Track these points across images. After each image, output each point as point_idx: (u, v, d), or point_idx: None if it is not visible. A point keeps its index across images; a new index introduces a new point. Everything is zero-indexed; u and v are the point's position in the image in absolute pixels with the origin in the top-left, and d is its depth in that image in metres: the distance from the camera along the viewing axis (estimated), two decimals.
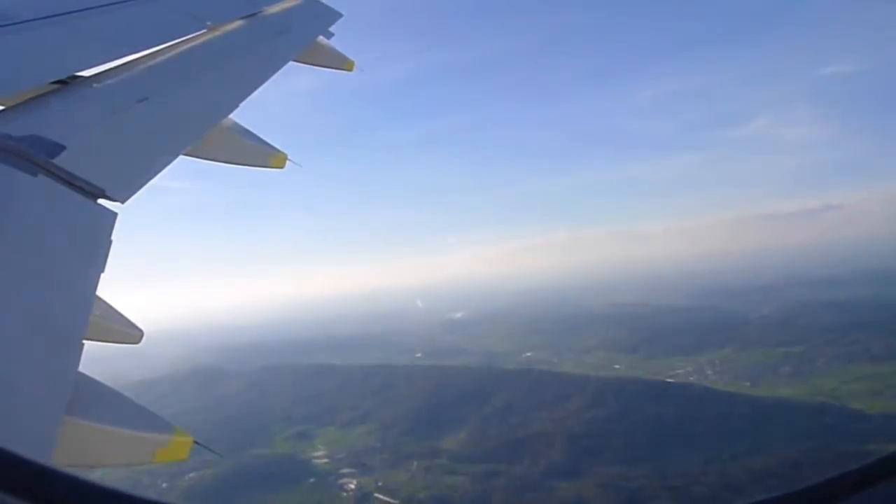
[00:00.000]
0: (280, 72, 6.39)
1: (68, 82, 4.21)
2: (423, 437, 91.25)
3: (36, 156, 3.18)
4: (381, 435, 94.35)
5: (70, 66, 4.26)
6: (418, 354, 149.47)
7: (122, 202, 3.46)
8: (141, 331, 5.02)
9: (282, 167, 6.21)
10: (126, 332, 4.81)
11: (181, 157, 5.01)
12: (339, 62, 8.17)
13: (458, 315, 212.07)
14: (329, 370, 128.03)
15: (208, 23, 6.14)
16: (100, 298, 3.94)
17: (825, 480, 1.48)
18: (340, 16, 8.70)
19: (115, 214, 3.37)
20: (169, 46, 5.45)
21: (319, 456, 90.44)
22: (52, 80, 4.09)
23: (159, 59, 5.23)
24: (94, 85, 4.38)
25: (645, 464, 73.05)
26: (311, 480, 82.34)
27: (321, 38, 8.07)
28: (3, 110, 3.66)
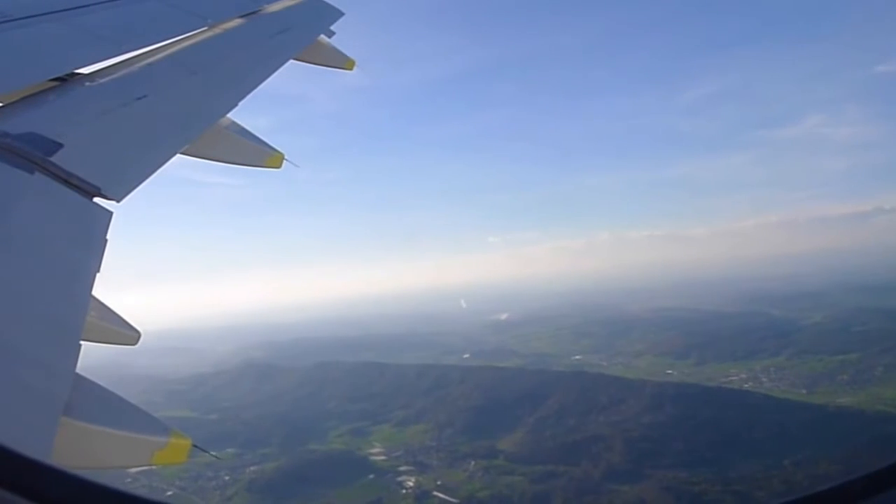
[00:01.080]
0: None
1: (67, 79, 4.24)
2: (478, 437, 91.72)
3: (33, 153, 3.19)
4: (436, 434, 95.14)
5: (69, 64, 4.28)
6: (466, 355, 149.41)
7: (119, 201, 3.48)
8: (138, 332, 4.91)
9: (278, 167, 6.18)
10: (123, 332, 4.74)
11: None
12: (340, 61, 8.16)
13: (504, 316, 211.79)
14: (381, 368, 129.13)
15: (209, 20, 6.15)
16: (96, 299, 3.89)
17: (846, 482, 1.44)
18: (342, 14, 8.68)
19: (110, 213, 3.40)
20: (169, 44, 5.46)
21: (376, 453, 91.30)
22: (51, 77, 4.11)
23: (159, 56, 5.24)
24: (93, 82, 4.39)
25: (706, 468, 72.90)
26: (371, 477, 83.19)
27: (322, 37, 8.05)
28: (1, 107, 3.67)
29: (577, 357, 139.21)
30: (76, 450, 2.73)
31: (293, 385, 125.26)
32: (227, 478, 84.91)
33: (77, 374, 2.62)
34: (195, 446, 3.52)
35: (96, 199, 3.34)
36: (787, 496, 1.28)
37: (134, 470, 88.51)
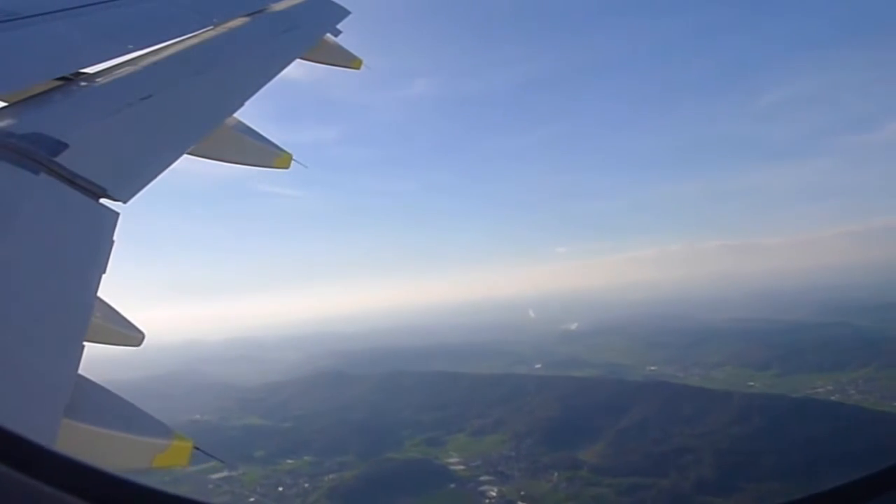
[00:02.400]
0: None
1: (72, 79, 4.15)
2: (558, 447, 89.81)
3: (38, 154, 3.12)
4: (514, 444, 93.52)
5: (74, 63, 4.21)
6: (538, 365, 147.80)
7: (125, 202, 3.38)
8: (142, 333, 4.85)
9: (286, 167, 6.10)
10: (127, 334, 4.69)
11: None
12: (347, 60, 8.07)
13: (573, 326, 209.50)
14: (454, 378, 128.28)
15: (214, 20, 6.07)
16: (101, 300, 3.86)
17: (853, 481, 1.41)
18: (348, 13, 8.56)
19: (117, 214, 3.30)
20: (174, 43, 5.37)
21: (454, 462, 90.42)
22: (56, 76, 4.03)
23: (164, 56, 5.14)
24: (99, 82, 4.30)
25: (801, 480, 69.83)
26: (452, 486, 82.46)
27: (329, 36, 7.95)
28: (5, 107, 3.57)
29: (653, 368, 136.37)
30: (77, 451, 2.35)
31: (366, 393, 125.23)
32: (306, 485, 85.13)
33: (80, 376, 2.59)
34: (197, 448, 3.49)
35: (102, 201, 3.27)
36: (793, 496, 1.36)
37: (217, 476, 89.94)
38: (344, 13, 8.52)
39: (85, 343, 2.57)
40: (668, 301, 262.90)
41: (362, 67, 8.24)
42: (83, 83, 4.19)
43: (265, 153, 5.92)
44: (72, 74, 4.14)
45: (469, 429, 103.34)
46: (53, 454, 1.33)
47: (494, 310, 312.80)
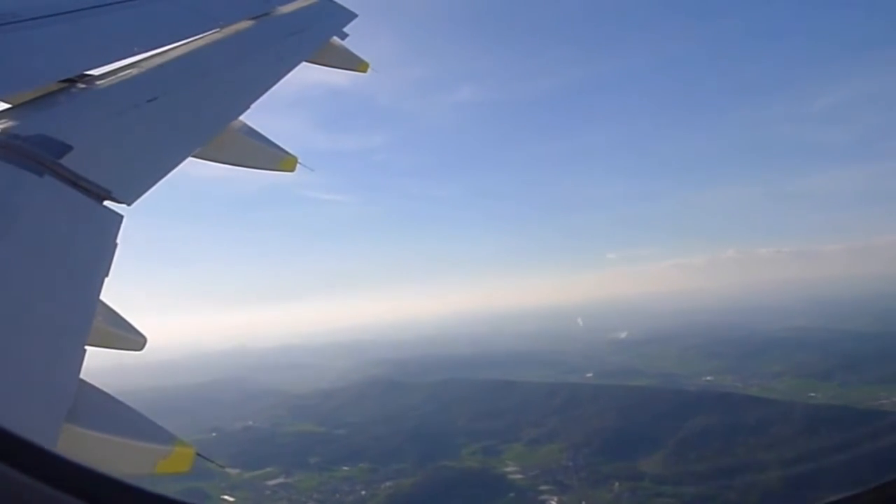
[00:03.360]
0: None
1: (77, 81, 4.12)
2: (617, 457, 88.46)
3: (42, 156, 3.10)
4: (572, 454, 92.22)
5: (80, 65, 4.18)
6: (589, 374, 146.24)
7: (129, 204, 3.37)
8: (144, 337, 4.77)
9: (292, 170, 6.04)
10: (129, 338, 4.62)
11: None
12: (353, 63, 8.06)
13: (623, 335, 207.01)
14: (508, 386, 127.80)
15: (220, 22, 6.06)
16: (103, 303, 3.83)
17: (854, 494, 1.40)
18: (355, 16, 8.54)
19: (121, 217, 3.28)
20: (180, 46, 5.34)
21: (512, 471, 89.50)
22: (62, 78, 3.99)
23: (170, 58, 5.12)
24: (104, 84, 4.28)
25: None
26: (511, 495, 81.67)
27: (335, 39, 7.94)
28: (11, 109, 3.56)
29: (708, 378, 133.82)
30: (78, 456, 2.36)
31: (420, 401, 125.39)
32: (363, 493, 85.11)
33: (82, 381, 2.57)
34: (199, 455, 3.46)
35: (106, 203, 3.27)
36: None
37: (273, 482, 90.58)
38: (350, 16, 8.53)
39: (87, 347, 2.56)
40: (721, 309, 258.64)
41: (369, 71, 8.22)
42: (88, 85, 4.19)
43: (270, 156, 5.92)
44: (77, 76, 4.13)
45: (525, 438, 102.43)
46: (54, 456, 1.33)
47: (542, 317, 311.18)
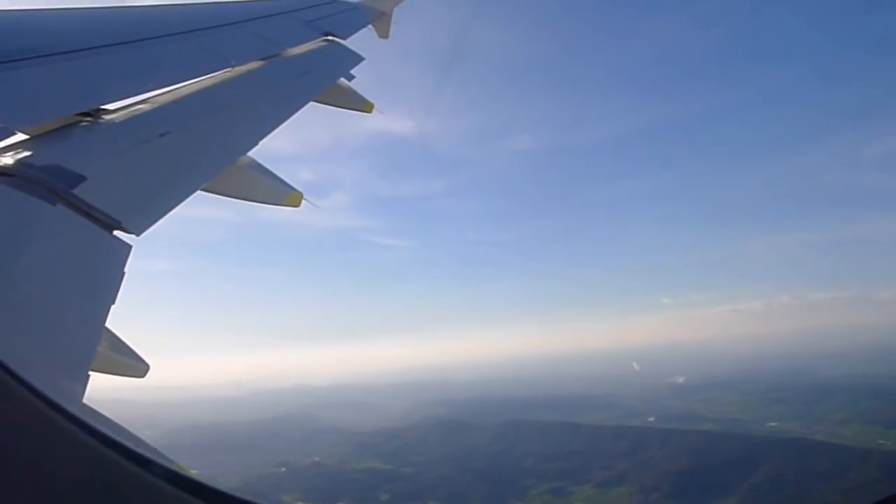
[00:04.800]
0: (299, 111, 6.55)
1: (93, 115, 4.26)
2: (688, 501, 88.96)
3: (56, 185, 3.19)
4: (642, 497, 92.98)
5: (96, 100, 4.32)
6: (651, 418, 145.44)
7: (138, 234, 3.45)
8: (147, 364, 4.79)
9: (297, 206, 6.18)
10: (132, 364, 4.68)
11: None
12: (359, 104, 8.32)
13: (680, 380, 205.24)
14: (572, 428, 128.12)
15: (232, 62, 6.21)
16: (109, 330, 3.88)
17: None
18: (362, 59, 8.79)
19: (129, 246, 3.37)
20: (193, 83, 5.50)
21: None
22: (78, 111, 4.14)
23: (182, 94, 5.29)
24: (118, 118, 4.42)
25: None
26: None
27: (342, 80, 8.17)
28: (28, 139, 3.66)
29: (773, 424, 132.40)
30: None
31: (485, 442, 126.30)
32: None
33: (83, 405, 2.55)
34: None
35: (116, 233, 3.35)
36: None
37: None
38: (357, 59, 8.78)
39: (90, 372, 2.60)
40: (780, 355, 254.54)
41: (374, 111, 8.47)
42: (103, 119, 4.30)
43: (276, 191, 6.08)
44: (93, 110, 4.26)
45: (594, 480, 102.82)
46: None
47: (596, 361, 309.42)
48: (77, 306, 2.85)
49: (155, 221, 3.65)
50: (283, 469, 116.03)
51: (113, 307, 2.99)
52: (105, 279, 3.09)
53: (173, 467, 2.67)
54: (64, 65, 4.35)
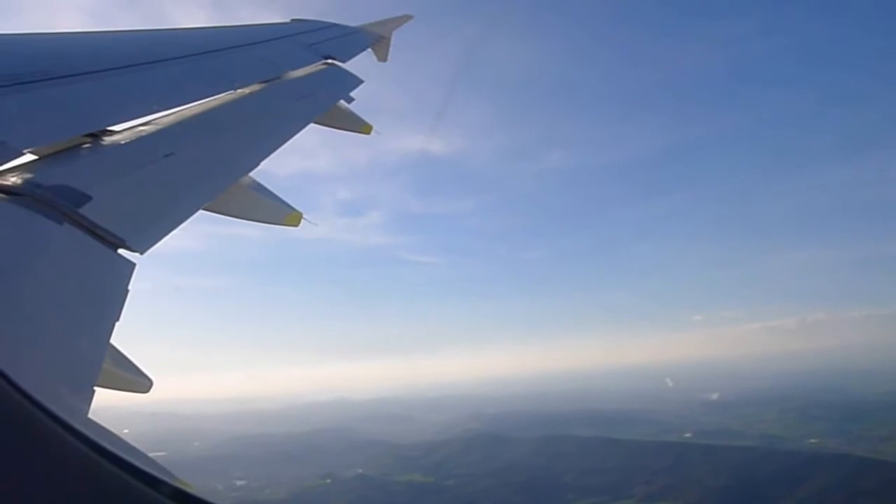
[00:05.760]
0: (303, 133, 6.67)
1: (100, 136, 4.29)
2: None
3: (63, 205, 3.24)
4: None
5: (102, 121, 4.35)
6: (687, 434, 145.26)
7: (142, 253, 3.50)
8: (150, 380, 4.79)
9: (296, 225, 6.27)
10: (136, 381, 4.69)
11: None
12: (357, 125, 8.42)
13: (714, 396, 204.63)
14: (610, 443, 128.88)
15: (235, 84, 6.33)
16: (113, 347, 3.88)
17: None
18: (361, 82, 8.89)
19: (133, 265, 3.41)
20: (197, 105, 5.56)
21: None
22: (85, 132, 4.16)
23: (187, 116, 5.34)
24: (124, 139, 4.45)
25: None
26: None
27: (341, 102, 8.27)
28: (37, 160, 3.70)
29: (813, 441, 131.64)
30: None
31: (525, 456, 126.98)
32: None
33: (89, 420, 2.51)
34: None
35: (120, 251, 3.38)
36: None
37: None
38: (357, 82, 8.86)
39: (95, 388, 2.62)
40: (815, 373, 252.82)
41: (372, 133, 8.56)
42: (110, 140, 4.33)
43: (276, 211, 6.17)
44: (99, 131, 4.29)
45: (637, 495, 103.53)
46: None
47: (629, 377, 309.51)
48: (83, 323, 2.92)
49: (158, 240, 3.71)
50: (329, 480, 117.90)
51: (117, 324, 3.06)
52: (110, 297, 3.15)
53: (177, 484, 2.74)
54: (72, 87, 4.43)
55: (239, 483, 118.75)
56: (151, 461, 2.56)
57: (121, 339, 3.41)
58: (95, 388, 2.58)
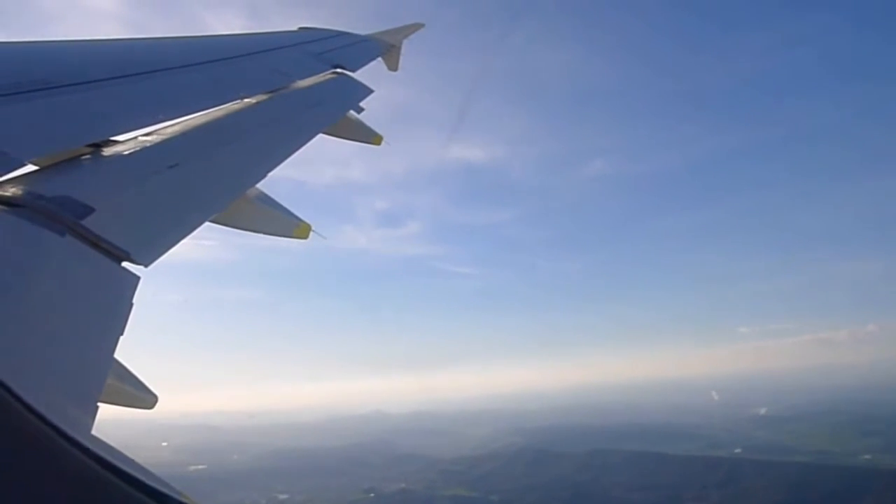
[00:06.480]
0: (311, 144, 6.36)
1: (103, 146, 4.19)
2: None
3: (65, 216, 3.16)
4: None
5: (106, 131, 4.24)
6: (737, 450, 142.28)
7: (146, 266, 3.40)
8: (155, 396, 4.68)
9: (305, 238, 6.06)
10: (140, 396, 4.58)
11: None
12: (367, 136, 8.21)
13: (762, 411, 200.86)
14: (661, 458, 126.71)
15: (242, 94, 6.18)
16: (118, 361, 3.77)
17: None
18: (371, 91, 8.67)
19: (137, 278, 3.32)
20: (203, 115, 5.44)
21: None
22: (88, 142, 4.05)
23: (192, 126, 5.22)
24: (128, 149, 4.33)
25: None
26: None
27: (351, 113, 8.04)
28: (39, 170, 3.60)
29: (867, 456, 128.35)
30: None
31: (570, 471, 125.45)
32: None
33: (93, 436, 2.40)
34: None
35: (124, 264, 3.28)
36: None
37: None
38: (367, 91, 8.68)
39: (99, 403, 2.57)
40: (867, 386, 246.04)
41: (382, 143, 8.35)
42: (113, 150, 4.25)
43: (285, 223, 5.99)
44: (103, 141, 4.22)
45: None
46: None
47: (674, 390, 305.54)
48: (86, 338, 2.83)
49: (163, 253, 3.59)
50: (372, 495, 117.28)
51: (121, 338, 2.95)
52: (114, 310, 3.05)
53: (182, 499, 2.62)
54: (75, 96, 4.35)
55: (282, 497, 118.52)
56: (155, 476, 2.61)
57: (130, 353, 3.38)
58: (99, 403, 2.51)
